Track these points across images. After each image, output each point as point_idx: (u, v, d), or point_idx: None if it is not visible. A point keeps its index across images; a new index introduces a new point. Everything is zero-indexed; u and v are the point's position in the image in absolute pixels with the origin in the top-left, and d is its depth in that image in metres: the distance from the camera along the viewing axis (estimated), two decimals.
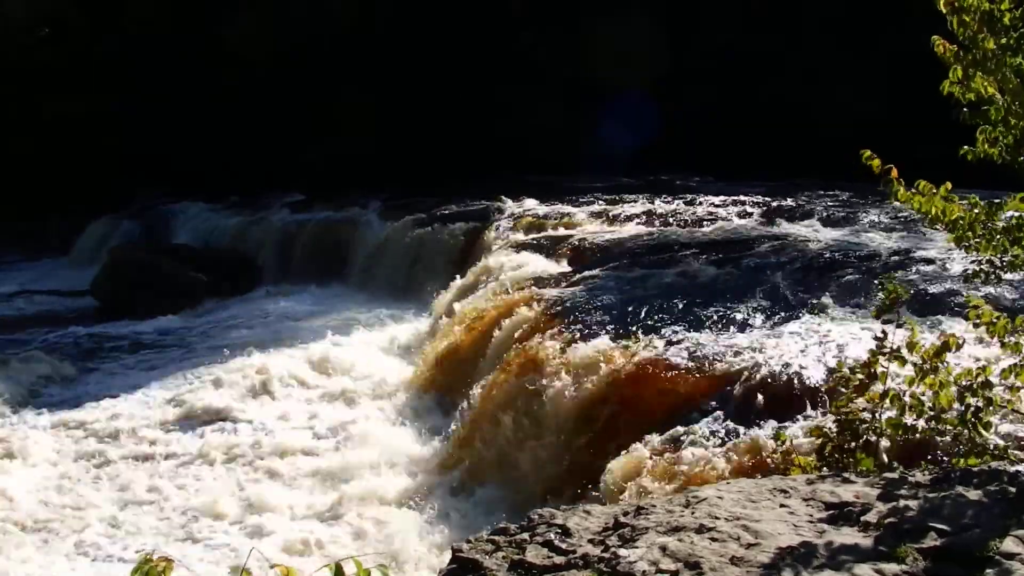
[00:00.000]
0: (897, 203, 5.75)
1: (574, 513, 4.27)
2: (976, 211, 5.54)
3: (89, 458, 12.87)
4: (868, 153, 5.62)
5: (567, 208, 20.65)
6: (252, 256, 24.70)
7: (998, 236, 5.45)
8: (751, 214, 18.67)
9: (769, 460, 7.38)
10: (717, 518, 4.00)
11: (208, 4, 30.71)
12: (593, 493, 8.81)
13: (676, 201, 20.78)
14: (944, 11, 5.33)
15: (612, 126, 26.40)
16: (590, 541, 3.92)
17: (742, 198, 20.16)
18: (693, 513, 4.10)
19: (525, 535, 3.98)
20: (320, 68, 29.68)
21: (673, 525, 3.98)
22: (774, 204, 19.44)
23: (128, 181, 29.00)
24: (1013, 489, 3.83)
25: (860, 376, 5.65)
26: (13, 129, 30.14)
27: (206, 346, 18.19)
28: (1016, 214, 5.55)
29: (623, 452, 8.98)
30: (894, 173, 5.62)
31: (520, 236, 18.65)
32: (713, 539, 3.76)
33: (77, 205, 28.56)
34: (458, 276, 17.58)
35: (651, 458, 8.61)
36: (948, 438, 5.25)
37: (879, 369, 5.56)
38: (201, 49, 30.00)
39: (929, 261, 13.30)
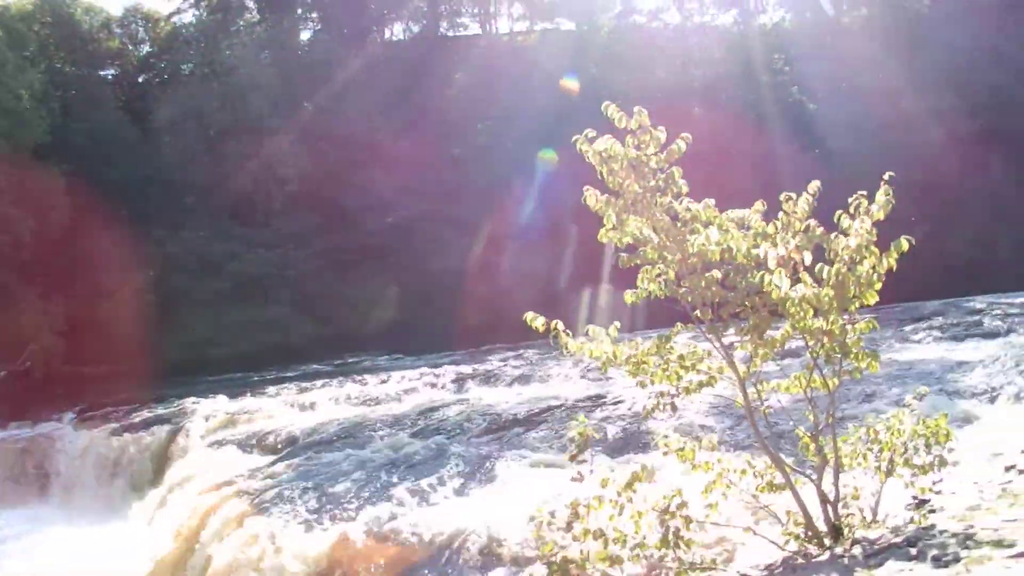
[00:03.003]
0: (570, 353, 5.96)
1: None
2: (647, 346, 5.83)
3: None
4: (532, 315, 5.83)
5: (257, 402, 20.25)
6: None
7: (672, 364, 5.75)
8: (443, 385, 18.91)
9: None
10: None
11: None
12: None
13: (367, 379, 20.79)
14: (594, 162, 5.67)
15: None
16: None
17: (430, 370, 20.45)
18: None
19: None
20: None
21: None
22: (463, 371, 19.86)
23: None
24: None
25: (564, 518, 5.72)
26: None
27: None
28: (687, 348, 5.90)
29: None
30: (559, 327, 5.84)
31: (215, 436, 18.05)
32: None
33: None
34: (159, 483, 16.75)
35: None
36: (655, 561, 5.37)
37: (580, 509, 5.64)
38: None
39: (618, 401, 13.93)
